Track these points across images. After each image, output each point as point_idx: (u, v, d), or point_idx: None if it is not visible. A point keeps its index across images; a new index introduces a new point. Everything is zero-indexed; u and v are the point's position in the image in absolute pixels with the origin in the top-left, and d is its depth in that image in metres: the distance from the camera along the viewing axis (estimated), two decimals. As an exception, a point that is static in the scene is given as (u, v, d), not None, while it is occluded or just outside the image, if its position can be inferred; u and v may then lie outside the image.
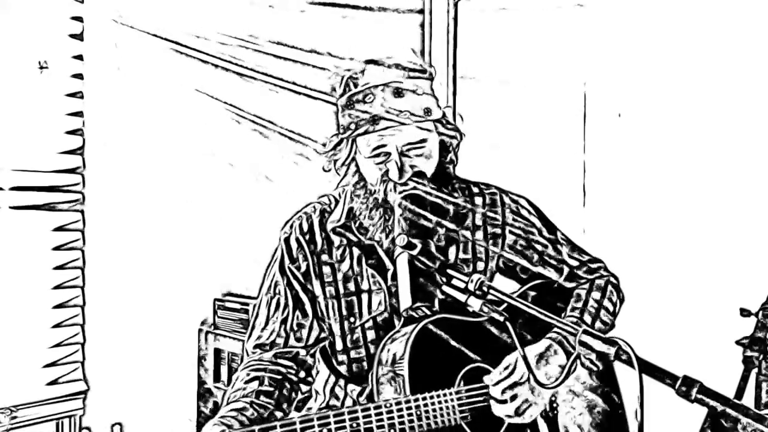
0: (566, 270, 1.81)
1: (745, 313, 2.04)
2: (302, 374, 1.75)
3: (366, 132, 1.65)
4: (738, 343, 2.04)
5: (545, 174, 2.85)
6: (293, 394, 1.73)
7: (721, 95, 2.51)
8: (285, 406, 1.69)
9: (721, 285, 2.38)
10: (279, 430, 1.47)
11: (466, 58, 3.10)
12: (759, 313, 2.03)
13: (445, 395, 1.58)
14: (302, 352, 1.75)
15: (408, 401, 1.55)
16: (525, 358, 1.42)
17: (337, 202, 1.80)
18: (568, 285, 1.81)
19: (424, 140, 1.67)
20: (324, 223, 1.78)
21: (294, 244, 1.77)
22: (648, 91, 2.66)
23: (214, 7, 2.99)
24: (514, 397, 1.58)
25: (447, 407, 1.58)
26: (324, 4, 3.06)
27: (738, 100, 2.48)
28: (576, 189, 2.84)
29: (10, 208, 2.67)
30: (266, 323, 1.77)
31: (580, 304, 1.75)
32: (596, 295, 1.77)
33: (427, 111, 1.67)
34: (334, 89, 1.74)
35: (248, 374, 1.70)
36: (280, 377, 1.71)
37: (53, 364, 2.75)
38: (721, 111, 2.51)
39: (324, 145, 1.77)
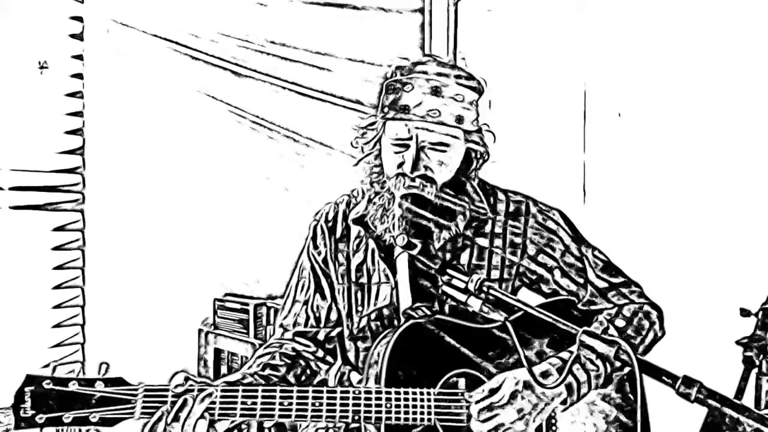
0: (590, 289, 1.76)
1: (745, 313, 2.04)
2: (320, 354, 1.81)
3: (393, 118, 1.68)
4: (738, 343, 2.04)
5: (545, 174, 2.85)
6: (307, 372, 1.79)
7: (721, 95, 2.51)
8: (292, 380, 1.75)
9: (721, 285, 2.38)
10: (241, 391, 1.50)
11: (466, 58, 3.10)
12: (759, 313, 2.03)
13: (421, 393, 1.57)
14: (321, 333, 1.82)
15: (378, 392, 1.55)
16: (526, 357, 1.42)
17: (364, 194, 1.83)
18: (594, 306, 1.76)
19: (445, 144, 1.68)
20: (347, 213, 1.83)
21: (319, 231, 1.85)
22: (648, 91, 2.66)
23: (213, 7, 2.99)
24: (489, 419, 1.55)
25: (421, 405, 1.57)
26: (324, 4, 3.06)
27: (738, 99, 2.48)
28: (576, 189, 2.83)
29: (10, 208, 2.67)
30: (292, 304, 1.85)
31: (599, 332, 1.70)
32: (620, 323, 1.71)
33: (459, 119, 1.68)
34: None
35: (264, 350, 1.79)
36: (294, 354, 1.78)
37: (53, 364, 2.75)
38: (722, 111, 2.51)
39: (359, 124, 1.80)
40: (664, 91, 2.62)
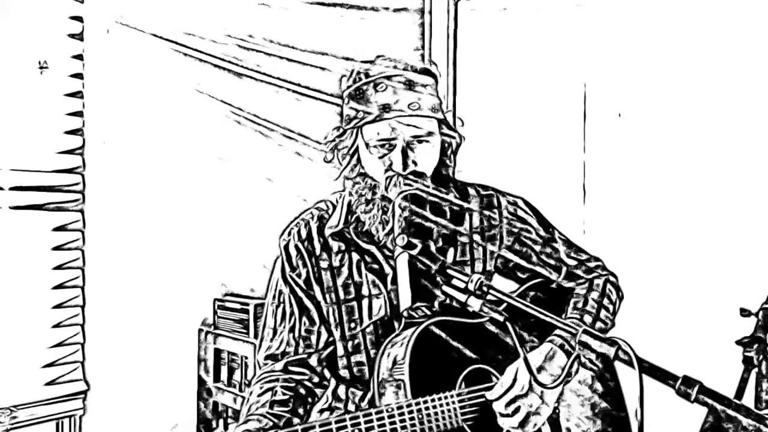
0: (564, 269, 1.82)
1: (745, 313, 2.04)
2: (316, 379, 1.75)
3: (375, 120, 1.64)
4: (738, 343, 2.04)
5: (545, 174, 2.85)
6: (309, 400, 1.73)
7: (721, 95, 2.51)
8: (302, 412, 1.69)
9: (721, 285, 2.38)
10: None
11: (466, 58, 3.10)
12: (759, 313, 2.03)
13: (446, 398, 1.58)
14: (313, 357, 1.75)
15: (409, 405, 1.55)
16: (526, 358, 1.42)
17: (334, 207, 1.79)
18: (567, 284, 1.82)
19: (431, 133, 1.67)
20: (322, 229, 1.77)
21: (293, 252, 1.77)
22: (648, 91, 2.66)
23: (213, 7, 2.99)
24: (517, 410, 1.58)
25: (448, 410, 1.58)
26: (324, 4, 3.06)
27: (738, 99, 2.48)
28: (576, 189, 2.84)
29: (10, 208, 2.67)
30: (274, 333, 1.76)
31: (579, 305, 1.75)
32: (595, 294, 1.77)
33: (434, 109, 1.68)
34: (341, 82, 1.74)
35: (261, 387, 1.70)
36: (293, 385, 1.71)
37: (53, 364, 2.75)
38: (721, 111, 2.51)
39: (326, 137, 1.77)
40: (664, 91, 2.62)
